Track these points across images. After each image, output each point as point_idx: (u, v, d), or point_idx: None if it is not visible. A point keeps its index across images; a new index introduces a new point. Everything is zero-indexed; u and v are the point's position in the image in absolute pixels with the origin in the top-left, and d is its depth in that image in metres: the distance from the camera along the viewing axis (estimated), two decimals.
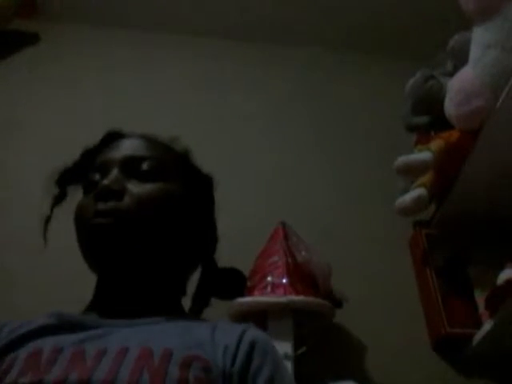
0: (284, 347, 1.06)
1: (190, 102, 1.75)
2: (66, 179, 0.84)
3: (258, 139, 1.68)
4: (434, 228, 1.37)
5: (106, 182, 0.70)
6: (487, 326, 1.13)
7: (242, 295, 1.03)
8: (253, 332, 0.68)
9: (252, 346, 0.64)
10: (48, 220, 0.81)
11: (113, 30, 1.92)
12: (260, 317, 1.12)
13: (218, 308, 1.00)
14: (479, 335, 1.16)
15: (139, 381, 0.56)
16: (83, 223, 0.70)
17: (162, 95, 1.77)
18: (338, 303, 1.18)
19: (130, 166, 0.74)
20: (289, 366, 1.04)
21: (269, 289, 1.11)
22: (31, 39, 1.84)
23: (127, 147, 0.78)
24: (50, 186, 0.84)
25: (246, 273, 1.05)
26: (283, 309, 1.09)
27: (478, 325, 1.18)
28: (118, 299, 0.72)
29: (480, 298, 1.21)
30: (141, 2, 1.89)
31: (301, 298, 1.08)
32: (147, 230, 0.70)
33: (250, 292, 1.11)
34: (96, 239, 0.68)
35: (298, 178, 1.59)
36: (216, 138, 1.65)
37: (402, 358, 1.22)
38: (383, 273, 1.37)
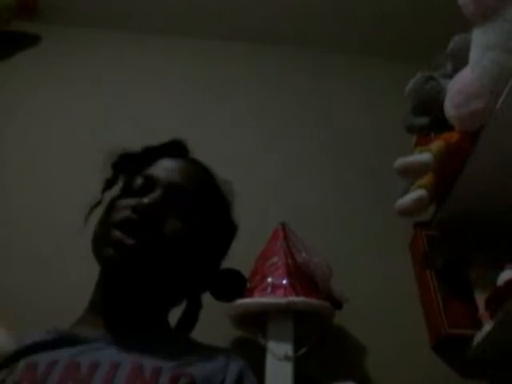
0: (284, 348, 1.06)
1: (190, 103, 1.76)
2: (121, 166, 0.82)
3: (258, 140, 1.68)
4: (434, 229, 1.37)
5: (148, 200, 0.70)
6: (487, 326, 1.13)
7: (242, 296, 1.03)
8: (239, 362, 0.70)
9: (240, 376, 0.67)
10: (98, 204, 0.79)
11: (113, 32, 1.92)
12: (260, 318, 1.12)
13: (218, 309, 1.01)
14: (479, 336, 1.16)
15: None
16: (109, 228, 0.70)
17: (161, 95, 1.77)
18: (338, 304, 1.18)
19: (173, 194, 0.74)
20: (289, 367, 1.04)
21: (269, 290, 1.11)
22: (32, 40, 1.84)
23: (178, 173, 0.77)
24: (102, 167, 0.82)
25: (246, 274, 1.04)
26: (283, 310, 1.09)
27: (478, 326, 1.18)
28: (116, 313, 0.72)
29: (480, 298, 1.21)
30: (141, 4, 1.90)
31: (301, 298, 1.08)
32: (167, 262, 0.71)
33: (250, 293, 1.11)
34: (118, 255, 0.68)
35: (298, 178, 1.59)
36: (215, 139, 1.65)
37: (401, 358, 1.23)
38: (383, 274, 1.37)
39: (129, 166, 0.81)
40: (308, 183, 1.58)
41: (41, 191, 1.45)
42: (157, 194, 0.72)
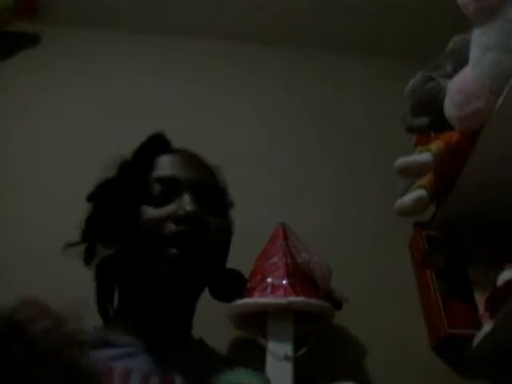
0: (284, 348, 1.06)
1: (191, 103, 1.76)
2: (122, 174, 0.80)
3: (258, 140, 1.68)
4: (434, 229, 1.37)
5: (190, 208, 0.67)
6: (487, 327, 1.13)
7: (242, 296, 1.03)
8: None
9: None
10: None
11: (113, 32, 1.92)
12: (260, 318, 1.12)
13: (218, 309, 1.01)
14: (479, 336, 1.16)
15: None
16: (157, 243, 0.68)
17: (162, 95, 1.77)
18: (337, 304, 1.18)
19: (200, 193, 0.72)
20: (289, 367, 1.04)
21: (269, 290, 1.11)
22: (31, 41, 1.84)
23: (194, 168, 0.76)
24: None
25: (246, 274, 1.05)
26: (283, 310, 1.09)
27: (478, 326, 1.18)
28: (155, 321, 0.71)
29: (480, 298, 1.21)
30: (141, 4, 1.90)
31: (301, 299, 1.08)
32: (213, 266, 0.72)
33: (249, 293, 1.11)
34: (177, 271, 0.67)
35: (297, 178, 1.59)
36: (216, 139, 1.65)
37: (401, 359, 1.23)
38: (383, 274, 1.37)
39: (127, 173, 0.79)
40: (308, 183, 1.58)
41: (41, 191, 1.45)
42: (188, 197, 0.70)
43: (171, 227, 0.67)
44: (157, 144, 0.81)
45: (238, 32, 1.94)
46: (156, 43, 1.92)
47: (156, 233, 0.68)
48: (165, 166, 0.76)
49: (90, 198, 0.78)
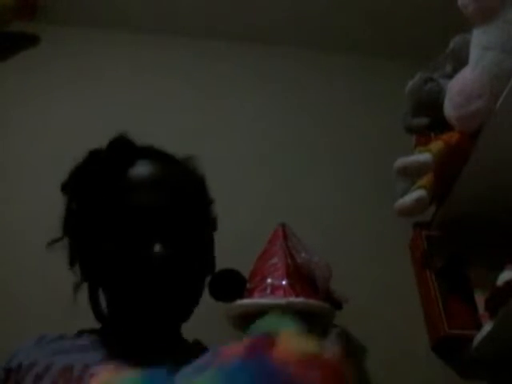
0: None
1: (191, 103, 1.76)
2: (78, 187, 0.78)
3: (258, 140, 1.68)
4: (434, 229, 1.37)
5: (159, 249, 0.66)
6: (487, 327, 1.13)
7: (242, 297, 1.03)
8: None
9: None
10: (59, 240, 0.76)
11: (113, 32, 1.92)
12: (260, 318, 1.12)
13: (217, 310, 1.01)
14: (479, 337, 1.16)
15: None
16: (135, 279, 0.67)
17: (162, 95, 1.77)
18: (337, 305, 1.18)
19: (170, 218, 0.70)
20: None
21: (268, 290, 1.11)
22: (31, 41, 1.84)
23: (163, 192, 0.71)
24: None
25: (246, 274, 1.05)
26: (283, 310, 1.09)
27: (478, 326, 1.18)
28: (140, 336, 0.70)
29: (480, 299, 1.21)
30: (141, 4, 1.90)
31: (300, 299, 1.08)
32: (194, 277, 0.72)
33: (249, 294, 1.11)
34: (157, 298, 0.66)
35: (297, 179, 1.59)
36: (216, 140, 1.65)
37: (401, 359, 1.23)
38: (383, 274, 1.37)
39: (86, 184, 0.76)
40: (308, 183, 1.58)
41: (41, 191, 1.45)
42: (157, 236, 0.67)
43: (146, 268, 0.66)
44: (122, 152, 0.77)
45: (238, 32, 1.93)
46: (156, 43, 1.92)
47: (135, 270, 0.67)
48: (129, 191, 0.71)
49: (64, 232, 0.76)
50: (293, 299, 1.08)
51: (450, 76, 1.23)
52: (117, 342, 0.69)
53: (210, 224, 0.82)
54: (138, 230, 0.68)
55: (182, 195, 0.73)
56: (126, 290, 0.68)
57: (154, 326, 0.69)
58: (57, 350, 0.68)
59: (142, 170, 0.74)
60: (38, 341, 0.72)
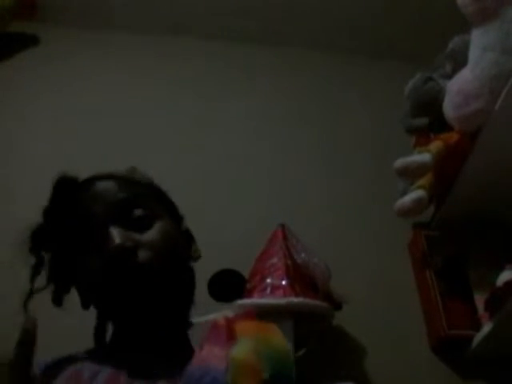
0: None
1: (191, 103, 1.76)
2: (38, 244, 0.77)
3: (257, 142, 1.68)
4: (434, 229, 1.37)
5: (117, 241, 0.66)
6: (486, 327, 1.13)
7: (242, 297, 1.03)
8: None
9: None
10: (31, 294, 0.74)
11: (113, 32, 1.92)
12: (259, 318, 1.12)
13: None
14: (478, 337, 1.16)
15: None
16: (102, 284, 0.67)
17: (162, 95, 1.77)
18: (337, 305, 1.18)
19: (121, 216, 0.70)
20: None
21: (268, 290, 1.11)
22: (31, 41, 1.84)
23: (106, 195, 0.73)
24: (21, 255, 0.78)
25: (246, 275, 1.05)
26: (283, 310, 1.09)
27: (478, 326, 1.18)
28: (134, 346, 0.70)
29: (479, 299, 1.21)
30: (141, 5, 1.90)
31: (300, 299, 1.08)
32: (167, 274, 0.70)
33: (249, 294, 1.11)
34: (130, 294, 0.65)
35: (297, 179, 1.59)
36: (216, 140, 1.65)
37: (401, 359, 1.22)
38: (383, 274, 1.37)
39: (46, 237, 0.76)
40: (308, 184, 1.58)
41: (40, 191, 1.45)
42: (111, 228, 0.68)
43: (112, 266, 0.66)
44: (63, 189, 0.78)
45: (238, 32, 1.94)
46: (156, 43, 1.92)
47: (106, 276, 0.66)
48: (77, 210, 0.73)
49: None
50: (292, 299, 1.07)
51: (450, 76, 1.23)
52: (124, 356, 0.69)
53: (175, 218, 0.79)
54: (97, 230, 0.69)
55: (131, 188, 0.74)
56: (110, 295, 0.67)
57: (151, 327, 0.69)
58: (66, 362, 0.69)
59: (89, 190, 0.75)
60: (44, 362, 0.72)
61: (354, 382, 0.85)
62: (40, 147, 1.57)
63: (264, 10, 1.89)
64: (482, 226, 1.28)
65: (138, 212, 0.72)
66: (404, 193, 1.27)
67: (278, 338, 0.68)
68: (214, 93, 1.80)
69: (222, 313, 0.74)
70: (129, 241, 0.67)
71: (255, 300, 1.10)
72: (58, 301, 0.76)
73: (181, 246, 0.74)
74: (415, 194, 1.23)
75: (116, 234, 0.67)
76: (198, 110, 1.74)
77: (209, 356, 0.61)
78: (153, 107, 1.73)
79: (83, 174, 0.80)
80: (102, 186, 0.75)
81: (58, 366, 0.66)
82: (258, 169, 1.60)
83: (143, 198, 0.74)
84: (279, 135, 1.71)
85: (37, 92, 1.71)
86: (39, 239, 0.76)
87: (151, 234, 0.70)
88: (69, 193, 0.76)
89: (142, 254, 0.67)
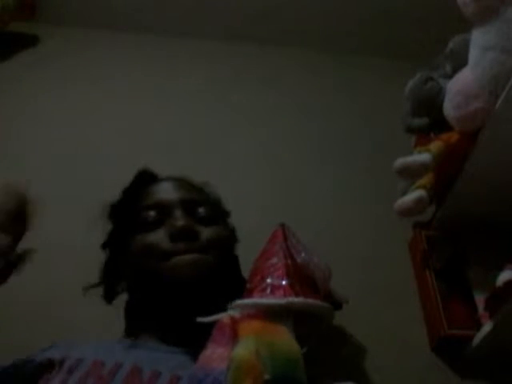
0: None
1: (191, 103, 1.76)
2: (116, 215, 0.86)
3: (257, 140, 1.68)
4: (434, 229, 1.37)
5: (182, 222, 0.72)
6: (487, 327, 1.13)
7: (241, 297, 1.03)
8: None
9: None
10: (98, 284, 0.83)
11: (113, 32, 1.92)
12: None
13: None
14: (479, 337, 1.16)
15: None
16: (159, 261, 0.72)
17: (162, 95, 1.77)
18: (337, 305, 1.18)
19: (189, 209, 0.77)
20: None
21: (268, 290, 1.10)
22: (30, 41, 1.84)
23: (180, 190, 0.81)
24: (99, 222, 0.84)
25: (246, 274, 1.05)
26: (283, 310, 1.09)
27: (478, 326, 1.18)
28: (171, 328, 0.74)
29: (480, 299, 1.21)
30: (141, 5, 1.90)
31: (300, 299, 1.08)
32: (218, 270, 0.76)
33: (249, 294, 1.11)
34: (183, 275, 0.70)
35: (297, 179, 1.59)
36: (215, 139, 1.65)
37: (401, 359, 1.22)
38: (383, 274, 1.37)
39: (121, 212, 0.83)
40: (308, 183, 1.58)
41: (40, 191, 1.45)
42: (178, 213, 0.75)
43: (167, 246, 0.71)
44: (144, 178, 0.87)
45: (238, 32, 1.94)
46: (156, 43, 1.93)
47: (156, 253, 0.72)
48: (152, 193, 0.81)
49: (103, 246, 0.85)
50: (293, 299, 1.07)
51: (450, 76, 1.23)
52: (149, 348, 0.71)
53: (227, 221, 0.91)
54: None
55: (195, 192, 0.84)
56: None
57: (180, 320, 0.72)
58: (87, 347, 0.70)
59: (158, 184, 0.85)
60: (70, 341, 0.74)
61: (354, 381, 0.85)
62: (40, 147, 1.57)
63: (262, 9, 1.89)
64: (483, 226, 1.28)
65: (201, 210, 0.78)
66: (404, 192, 1.26)
67: (284, 339, 0.70)
68: (214, 92, 1.80)
69: (227, 312, 0.76)
70: (193, 226, 0.74)
71: (255, 300, 1.10)
72: (109, 297, 0.83)
73: (231, 252, 0.86)
74: (415, 194, 1.22)
75: (183, 216, 0.74)
76: (198, 109, 1.74)
77: (212, 357, 0.62)
78: (153, 107, 1.73)
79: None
80: (178, 182, 0.84)
81: (70, 346, 0.67)
82: (258, 168, 1.60)
83: (209, 204, 0.83)
84: (278, 134, 1.71)
85: (36, 92, 1.71)
86: (116, 210, 0.85)
87: (210, 231, 0.75)
88: (147, 180, 0.86)
89: (201, 242, 0.72)
